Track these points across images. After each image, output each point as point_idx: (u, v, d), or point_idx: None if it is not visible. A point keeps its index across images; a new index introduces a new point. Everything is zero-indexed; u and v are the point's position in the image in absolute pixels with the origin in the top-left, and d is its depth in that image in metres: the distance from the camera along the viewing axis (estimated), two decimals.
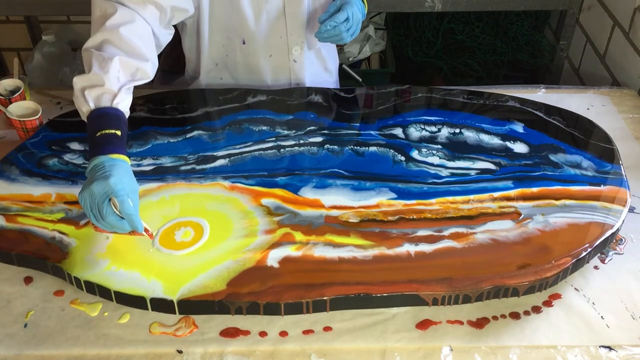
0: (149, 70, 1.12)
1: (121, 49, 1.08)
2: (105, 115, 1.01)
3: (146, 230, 0.97)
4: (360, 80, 1.84)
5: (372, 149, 1.24)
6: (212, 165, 1.20)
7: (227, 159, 1.21)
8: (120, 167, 0.96)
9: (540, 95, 1.50)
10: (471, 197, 1.12)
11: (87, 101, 1.02)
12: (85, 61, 1.08)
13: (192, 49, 1.39)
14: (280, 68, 1.40)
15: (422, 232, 1.04)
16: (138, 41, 1.11)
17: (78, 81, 1.04)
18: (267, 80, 1.43)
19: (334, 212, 1.09)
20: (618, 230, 1.06)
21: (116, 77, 1.05)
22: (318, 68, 1.46)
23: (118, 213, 0.93)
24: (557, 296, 0.99)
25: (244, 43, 1.33)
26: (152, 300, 0.94)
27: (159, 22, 1.19)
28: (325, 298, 0.94)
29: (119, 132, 1.00)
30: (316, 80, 1.47)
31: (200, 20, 1.30)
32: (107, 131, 0.99)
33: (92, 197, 0.92)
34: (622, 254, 1.07)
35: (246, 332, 0.93)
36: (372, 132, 1.28)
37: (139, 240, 1.02)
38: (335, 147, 1.25)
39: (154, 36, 1.17)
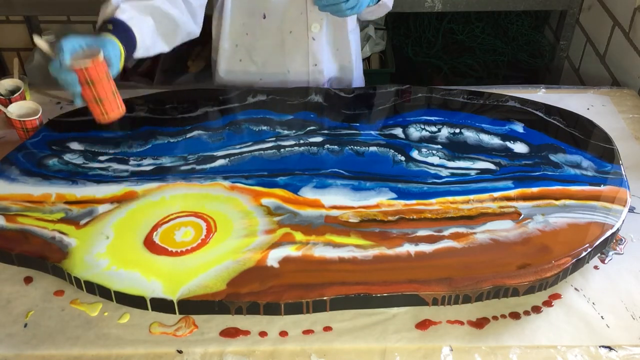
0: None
1: None
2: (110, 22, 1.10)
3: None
4: None
5: (372, 149, 1.24)
6: (212, 165, 1.20)
7: (227, 159, 1.21)
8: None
9: (540, 95, 1.50)
10: (471, 197, 1.12)
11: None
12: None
13: (217, 28, 1.40)
14: (299, 46, 1.40)
15: (422, 232, 1.04)
16: None
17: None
18: (285, 60, 1.43)
19: (334, 212, 1.08)
20: (618, 230, 1.06)
21: None
22: (336, 52, 1.46)
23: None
24: (557, 296, 0.99)
25: (264, 17, 1.34)
26: (152, 300, 0.94)
27: None
28: (325, 298, 0.94)
29: (110, 26, 1.09)
30: (333, 66, 1.47)
31: None
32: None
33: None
34: (622, 254, 1.07)
35: (246, 332, 0.93)
36: (372, 132, 1.28)
37: (138, 240, 1.02)
38: (336, 147, 1.25)
39: None
